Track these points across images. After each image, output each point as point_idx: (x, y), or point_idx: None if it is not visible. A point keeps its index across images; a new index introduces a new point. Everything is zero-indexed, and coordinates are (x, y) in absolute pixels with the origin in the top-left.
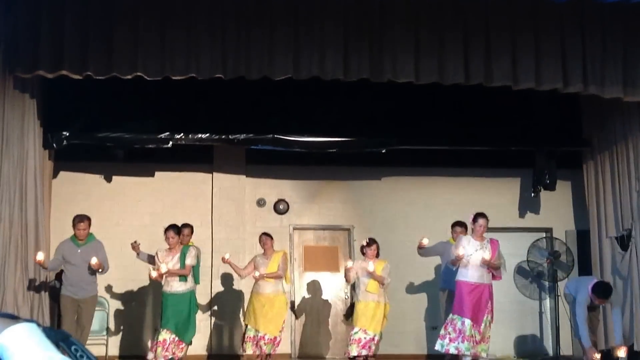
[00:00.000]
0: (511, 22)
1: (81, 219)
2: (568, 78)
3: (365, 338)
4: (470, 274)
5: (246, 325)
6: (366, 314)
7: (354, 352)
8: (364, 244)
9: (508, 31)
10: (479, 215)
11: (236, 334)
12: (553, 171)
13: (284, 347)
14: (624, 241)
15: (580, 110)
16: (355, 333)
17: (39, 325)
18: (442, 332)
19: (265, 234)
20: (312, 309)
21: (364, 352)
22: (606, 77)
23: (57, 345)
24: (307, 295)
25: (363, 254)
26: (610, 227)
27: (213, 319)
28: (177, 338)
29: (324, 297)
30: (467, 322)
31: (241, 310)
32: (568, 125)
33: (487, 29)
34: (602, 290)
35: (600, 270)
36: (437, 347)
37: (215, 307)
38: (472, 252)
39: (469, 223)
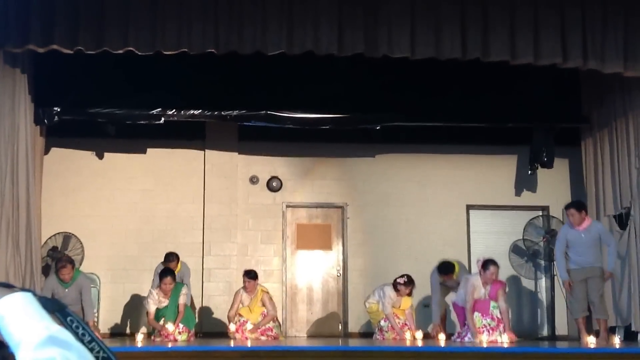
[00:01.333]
0: None
1: (64, 265)
2: (567, 53)
3: (399, 323)
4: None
5: (240, 315)
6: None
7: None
8: (401, 281)
9: (506, 4)
10: (490, 263)
11: (226, 312)
12: (551, 148)
13: None
14: (622, 220)
15: (579, 86)
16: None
17: (35, 294)
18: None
19: (248, 275)
20: (304, 287)
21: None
22: (606, 51)
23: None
24: (299, 273)
25: (396, 290)
26: (609, 205)
27: (203, 296)
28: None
29: (316, 275)
30: (476, 314)
31: (232, 288)
32: (566, 102)
33: (484, 2)
34: (574, 202)
35: None
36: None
37: (206, 285)
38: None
39: (478, 267)
